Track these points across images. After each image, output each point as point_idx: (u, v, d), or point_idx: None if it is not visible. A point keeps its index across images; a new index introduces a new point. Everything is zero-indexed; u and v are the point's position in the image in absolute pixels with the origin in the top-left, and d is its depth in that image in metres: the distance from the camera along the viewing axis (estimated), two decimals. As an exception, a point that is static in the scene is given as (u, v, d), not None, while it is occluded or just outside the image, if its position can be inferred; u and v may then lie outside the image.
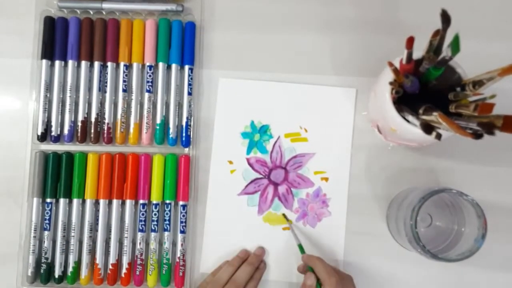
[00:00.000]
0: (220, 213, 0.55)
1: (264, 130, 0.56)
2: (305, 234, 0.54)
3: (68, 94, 0.55)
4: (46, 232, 0.53)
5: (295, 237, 0.53)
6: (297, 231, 0.54)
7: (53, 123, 0.54)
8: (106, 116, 0.55)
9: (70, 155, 0.54)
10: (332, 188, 0.55)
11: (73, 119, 0.55)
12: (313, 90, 0.56)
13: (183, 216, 0.54)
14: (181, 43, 0.56)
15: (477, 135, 0.37)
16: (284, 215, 0.54)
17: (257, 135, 0.56)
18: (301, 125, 0.56)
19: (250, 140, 0.56)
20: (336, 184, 0.55)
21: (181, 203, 0.54)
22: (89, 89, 0.55)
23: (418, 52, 0.42)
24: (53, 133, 0.54)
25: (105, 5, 0.55)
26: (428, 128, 0.38)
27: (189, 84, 0.55)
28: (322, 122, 0.56)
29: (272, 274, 0.54)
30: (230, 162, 0.55)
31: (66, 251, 0.53)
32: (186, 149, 0.55)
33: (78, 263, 0.53)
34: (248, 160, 0.55)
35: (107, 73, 0.55)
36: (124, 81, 0.55)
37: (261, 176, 0.55)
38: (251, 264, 0.52)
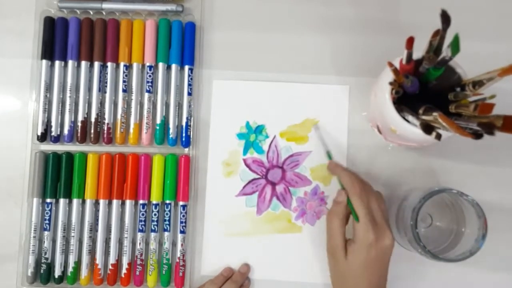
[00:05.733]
0: (219, 215, 0.55)
1: (259, 130, 0.56)
2: (305, 229, 0.54)
3: (68, 94, 0.55)
4: (46, 232, 0.53)
5: (323, 143, 0.53)
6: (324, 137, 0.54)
7: (53, 123, 0.54)
8: (106, 116, 0.55)
9: (70, 155, 0.54)
10: (329, 186, 0.55)
11: (73, 119, 0.55)
12: (306, 88, 0.56)
13: (183, 216, 0.54)
14: (181, 44, 0.56)
15: (477, 135, 0.37)
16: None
17: (252, 135, 0.56)
18: (296, 123, 0.56)
19: (246, 141, 0.56)
20: (334, 181, 0.55)
21: (181, 203, 0.54)
22: (89, 89, 0.55)
23: (418, 52, 0.42)
24: (53, 133, 0.54)
25: (105, 5, 0.55)
26: (428, 128, 0.38)
27: (189, 85, 0.55)
28: (317, 120, 0.56)
29: (271, 274, 0.54)
30: (227, 164, 0.55)
31: (66, 251, 0.53)
32: (186, 149, 0.55)
33: (78, 263, 0.53)
34: (245, 161, 0.55)
35: (107, 73, 0.55)
36: (124, 81, 0.55)
37: (258, 176, 0.55)
38: (235, 282, 0.51)
